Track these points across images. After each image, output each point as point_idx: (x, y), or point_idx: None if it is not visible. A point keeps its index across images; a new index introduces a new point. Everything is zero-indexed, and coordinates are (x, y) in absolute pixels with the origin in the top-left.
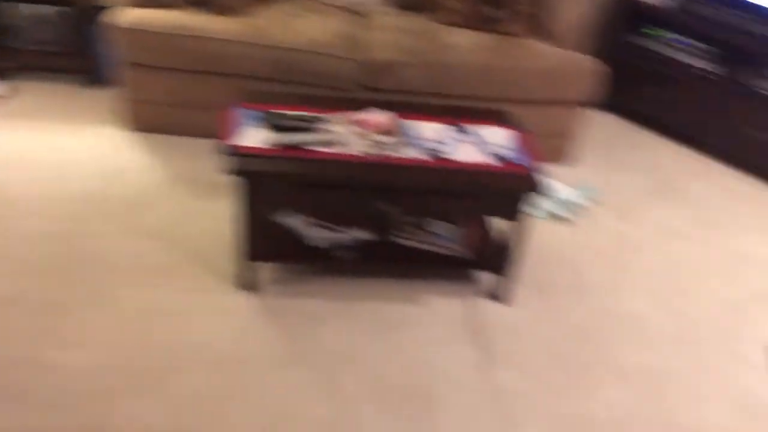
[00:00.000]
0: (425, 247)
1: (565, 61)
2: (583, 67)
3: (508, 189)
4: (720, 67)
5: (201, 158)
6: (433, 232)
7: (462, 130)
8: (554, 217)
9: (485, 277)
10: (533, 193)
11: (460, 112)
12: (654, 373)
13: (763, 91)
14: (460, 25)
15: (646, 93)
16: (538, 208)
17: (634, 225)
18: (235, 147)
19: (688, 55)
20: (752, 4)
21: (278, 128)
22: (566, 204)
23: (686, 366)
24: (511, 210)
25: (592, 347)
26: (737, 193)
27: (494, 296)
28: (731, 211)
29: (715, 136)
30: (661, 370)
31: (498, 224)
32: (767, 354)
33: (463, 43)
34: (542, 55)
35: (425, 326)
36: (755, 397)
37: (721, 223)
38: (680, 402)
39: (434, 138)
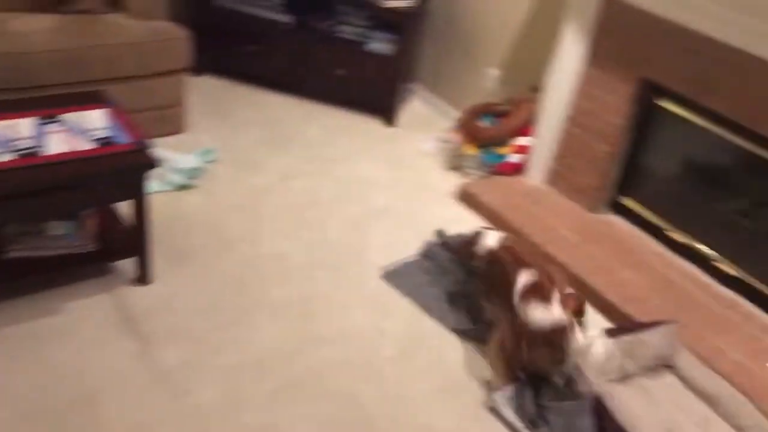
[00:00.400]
0: (48, 253)
1: (150, 32)
2: (170, 36)
3: (119, 171)
4: (291, 16)
5: None
6: (52, 235)
7: (54, 121)
8: (180, 186)
9: (124, 264)
10: (147, 168)
11: (48, 102)
12: (301, 301)
13: (337, 34)
14: (25, 10)
15: (241, 51)
16: (161, 182)
17: (258, 175)
18: None
19: (264, 9)
20: None
21: None
22: (189, 171)
23: (325, 285)
24: (129, 191)
25: (242, 296)
26: (340, 128)
27: (138, 280)
28: (339, 144)
29: (307, 81)
30: (306, 296)
31: (124, 208)
32: (383, 253)
33: (35, 28)
34: (125, 29)
35: (73, 333)
36: (382, 293)
37: (333, 156)
38: (327, 318)
39: (22, 136)
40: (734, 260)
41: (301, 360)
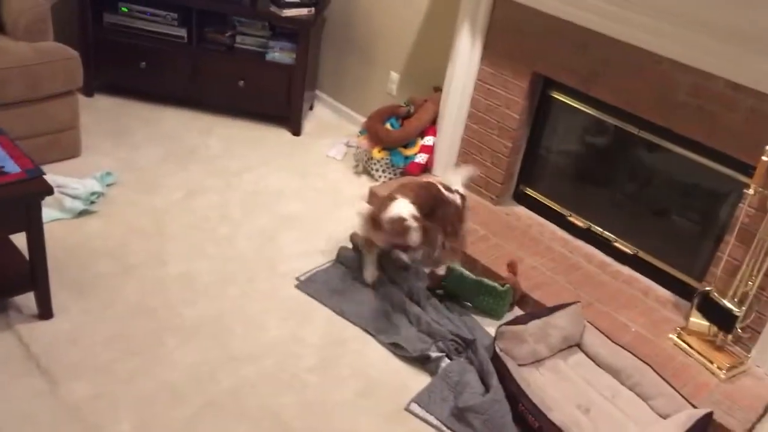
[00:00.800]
0: None
1: (37, 53)
2: (60, 56)
3: (9, 201)
4: (186, 29)
5: None
6: None
7: None
8: (80, 213)
9: (24, 299)
10: (41, 197)
11: None
12: (213, 320)
13: (236, 45)
14: None
15: (137, 68)
16: (59, 209)
17: (161, 195)
18: None
19: (157, 24)
20: None
21: None
22: (88, 196)
23: (238, 301)
24: (22, 222)
25: (150, 321)
26: (244, 139)
27: (39, 315)
28: (244, 156)
29: (207, 94)
30: (219, 313)
31: (21, 239)
32: (296, 262)
33: None
34: (11, 52)
35: None
36: (298, 303)
37: (238, 169)
38: (243, 334)
39: None
40: (629, 239)
41: (218, 381)
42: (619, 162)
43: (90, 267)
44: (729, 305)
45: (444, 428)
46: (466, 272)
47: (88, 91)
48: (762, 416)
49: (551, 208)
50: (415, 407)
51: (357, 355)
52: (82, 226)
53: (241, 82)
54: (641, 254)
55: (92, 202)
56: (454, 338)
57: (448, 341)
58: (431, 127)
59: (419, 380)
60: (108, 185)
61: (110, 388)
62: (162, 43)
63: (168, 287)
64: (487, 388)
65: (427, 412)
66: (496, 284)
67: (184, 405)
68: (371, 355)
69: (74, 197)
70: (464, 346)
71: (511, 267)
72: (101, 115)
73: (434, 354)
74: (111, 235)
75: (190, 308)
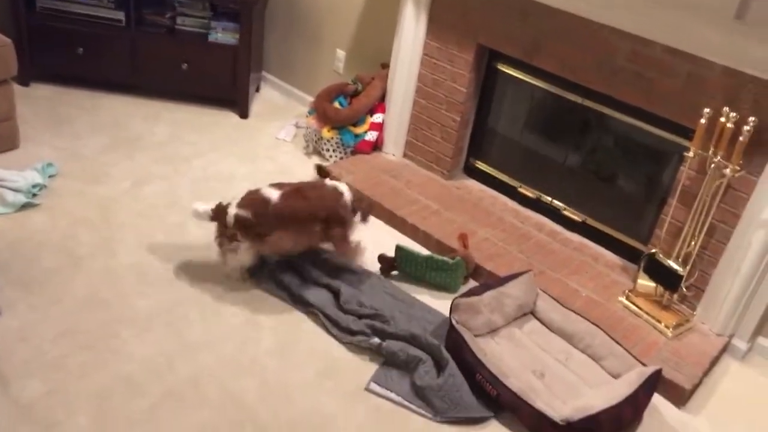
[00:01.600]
0: None
1: None
2: None
3: None
4: (123, 12)
5: None
6: None
7: None
8: (23, 206)
9: None
10: None
11: None
12: (167, 309)
13: (176, 27)
14: None
15: (75, 54)
16: (1, 204)
17: (106, 184)
18: None
19: (95, 7)
20: None
21: None
22: (29, 189)
23: (192, 288)
24: None
25: (102, 313)
26: (190, 124)
27: None
28: (191, 142)
29: (149, 79)
30: (173, 302)
31: None
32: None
33: None
34: None
35: None
36: (252, 286)
37: (186, 154)
38: (199, 321)
39: None
40: (578, 207)
41: (176, 370)
42: (565, 131)
43: (36, 261)
44: (673, 266)
45: (405, 403)
46: (416, 251)
47: (24, 80)
48: (708, 370)
49: (501, 180)
50: (374, 386)
51: (314, 336)
52: (26, 219)
53: (185, 65)
54: (589, 221)
55: (35, 195)
56: (367, 319)
57: (365, 324)
58: (380, 104)
59: (378, 358)
60: (50, 177)
61: (64, 384)
62: (99, 27)
63: (119, 278)
64: (430, 354)
65: (387, 389)
66: (446, 258)
67: (142, 396)
68: (328, 335)
69: (15, 190)
70: (381, 323)
71: (463, 239)
72: (39, 105)
73: (369, 339)
74: (56, 227)
75: (143, 298)
